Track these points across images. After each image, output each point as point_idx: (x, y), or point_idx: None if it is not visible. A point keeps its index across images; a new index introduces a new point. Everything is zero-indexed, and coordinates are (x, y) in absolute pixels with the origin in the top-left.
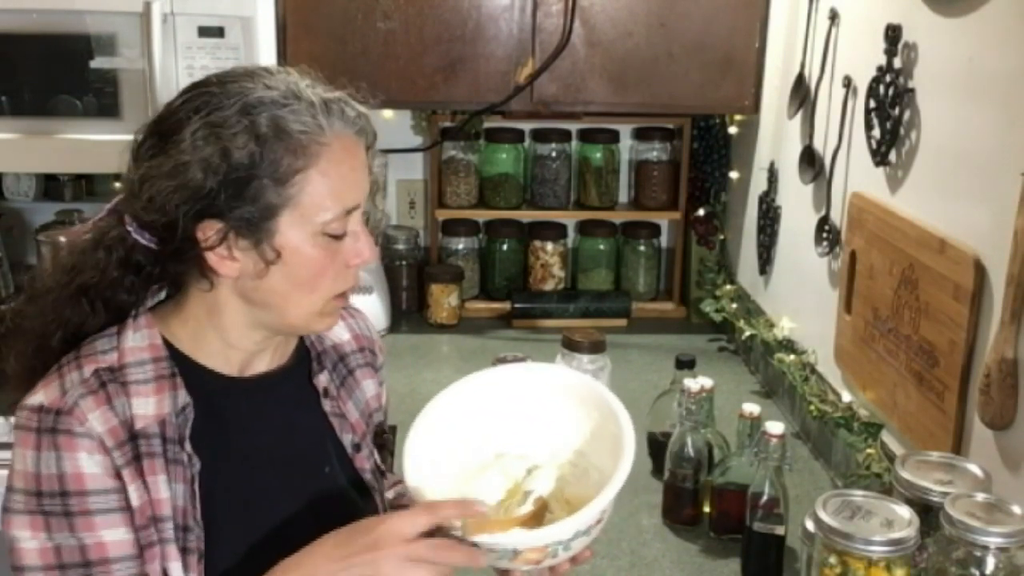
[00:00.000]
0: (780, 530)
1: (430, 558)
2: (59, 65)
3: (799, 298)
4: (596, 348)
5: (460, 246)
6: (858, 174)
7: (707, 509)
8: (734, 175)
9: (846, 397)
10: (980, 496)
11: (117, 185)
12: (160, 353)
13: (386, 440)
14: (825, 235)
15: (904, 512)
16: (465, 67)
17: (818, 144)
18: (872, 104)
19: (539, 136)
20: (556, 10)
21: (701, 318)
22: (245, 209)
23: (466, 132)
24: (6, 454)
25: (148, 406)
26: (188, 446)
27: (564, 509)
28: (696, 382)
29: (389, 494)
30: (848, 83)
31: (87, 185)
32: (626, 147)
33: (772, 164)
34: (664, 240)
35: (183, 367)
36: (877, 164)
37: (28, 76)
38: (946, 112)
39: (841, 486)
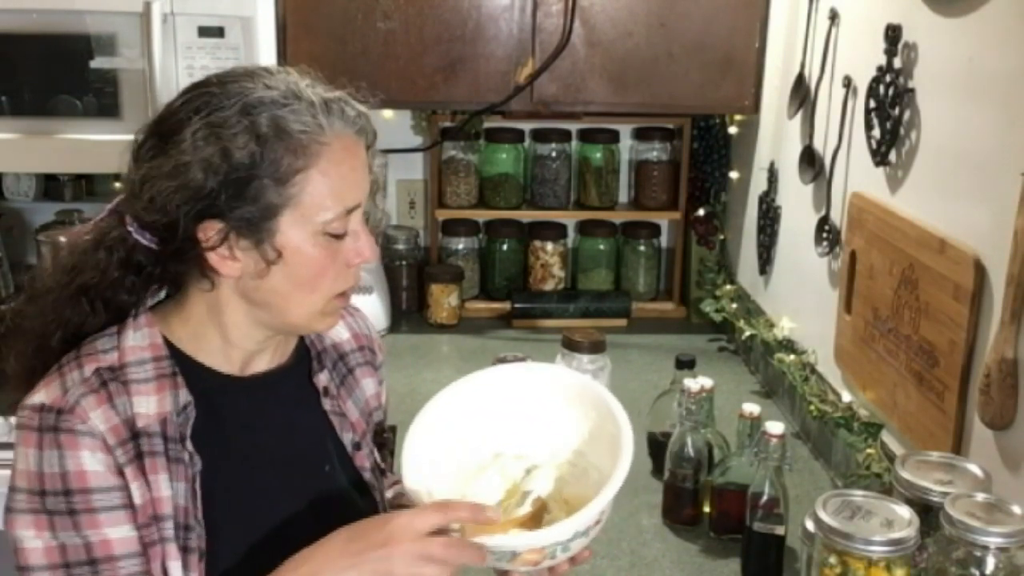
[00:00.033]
0: (780, 530)
1: (443, 556)
2: (59, 65)
3: (799, 298)
4: (596, 348)
5: (460, 246)
6: (858, 174)
7: (707, 509)
8: (734, 175)
9: (846, 397)
10: (980, 496)
11: (117, 185)
12: (161, 352)
13: (386, 439)
14: (825, 235)
15: (904, 512)
16: (465, 67)
17: (818, 144)
18: (872, 104)
19: (539, 136)
20: (556, 10)
21: (701, 318)
22: (246, 209)
23: (466, 132)
24: (6, 454)
25: (149, 405)
26: (189, 445)
27: (563, 509)
28: (696, 382)
29: (388, 493)
30: (848, 83)
31: (87, 185)
32: (626, 147)
33: (772, 164)
34: (664, 240)
35: (183, 366)
36: (877, 164)
37: (28, 76)
38: (946, 112)
39: (841, 486)
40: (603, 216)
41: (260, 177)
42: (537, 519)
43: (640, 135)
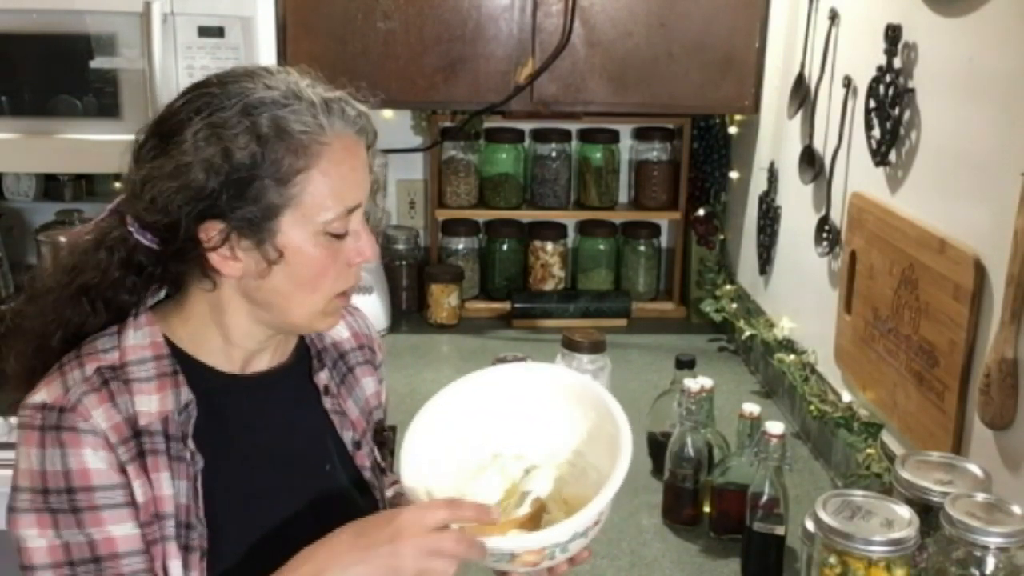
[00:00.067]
0: (780, 530)
1: (453, 551)
2: (59, 65)
3: (799, 298)
4: (596, 348)
5: (460, 246)
6: (858, 174)
7: (707, 509)
8: (734, 175)
9: (846, 397)
10: (980, 496)
11: (117, 185)
12: (162, 351)
13: (386, 438)
14: (825, 235)
15: (904, 512)
16: (465, 67)
17: (818, 144)
18: (872, 104)
19: (539, 136)
20: (556, 10)
21: (701, 318)
22: (247, 209)
23: (466, 132)
24: (5, 454)
25: (151, 403)
26: (191, 443)
27: (562, 509)
28: (696, 382)
29: (388, 492)
30: (848, 83)
31: (87, 185)
32: (626, 147)
33: (772, 164)
34: (664, 240)
35: (184, 365)
36: (877, 164)
37: (28, 76)
38: (946, 112)
39: (841, 486)
40: (603, 216)
41: (261, 177)
42: (536, 519)
43: (640, 135)
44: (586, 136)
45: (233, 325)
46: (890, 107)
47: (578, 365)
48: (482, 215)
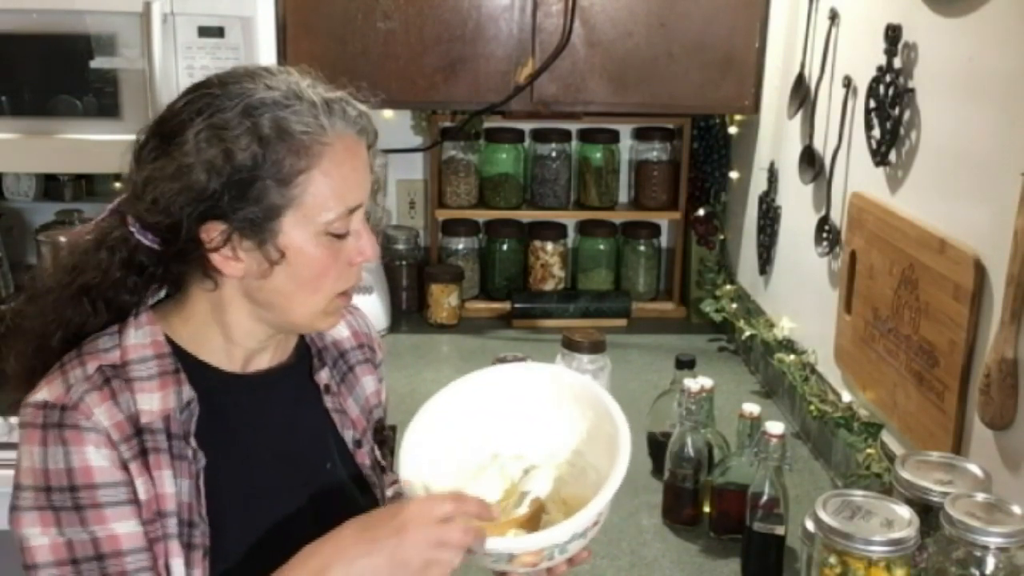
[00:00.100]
0: (780, 530)
1: (460, 542)
2: (59, 65)
3: (799, 298)
4: (596, 348)
5: (460, 246)
6: (858, 174)
7: (707, 509)
8: (734, 175)
9: (846, 397)
10: (980, 496)
11: (117, 185)
12: (163, 350)
13: (386, 436)
14: (825, 235)
15: (904, 512)
16: (465, 67)
17: (818, 144)
18: (872, 104)
19: (539, 136)
20: (556, 10)
21: (701, 318)
22: (249, 210)
23: (466, 132)
24: (5, 454)
25: (153, 401)
26: (193, 441)
27: (560, 509)
28: (696, 382)
29: (388, 492)
30: (848, 83)
31: (87, 185)
32: (626, 147)
33: (772, 164)
34: (664, 240)
35: (185, 364)
36: (877, 164)
37: (28, 76)
38: (946, 112)
39: (841, 486)
40: (603, 216)
41: (263, 178)
42: (535, 519)
43: (640, 135)
44: (586, 136)
45: (234, 324)
46: (890, 107)
47: (578, 365)
48: (482, 215)
